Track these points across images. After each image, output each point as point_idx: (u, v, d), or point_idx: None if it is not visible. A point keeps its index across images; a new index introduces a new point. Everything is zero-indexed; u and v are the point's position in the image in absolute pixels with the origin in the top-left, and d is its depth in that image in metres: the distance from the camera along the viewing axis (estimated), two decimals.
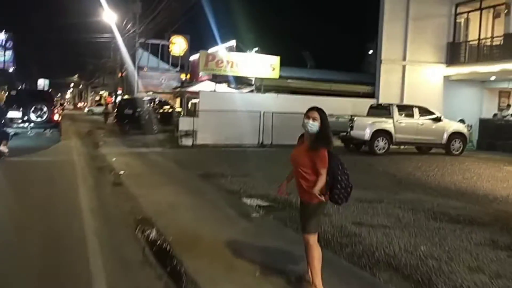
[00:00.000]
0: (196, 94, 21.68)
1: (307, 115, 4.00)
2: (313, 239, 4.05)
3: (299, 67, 24.80)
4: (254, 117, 18.30)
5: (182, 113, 21.42)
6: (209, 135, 17.66)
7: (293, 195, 7.98)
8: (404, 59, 20.80)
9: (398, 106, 17.01)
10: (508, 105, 22.31)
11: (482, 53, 20.33)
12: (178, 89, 33.85)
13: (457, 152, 16.91)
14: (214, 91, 20.45)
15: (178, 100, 33.90)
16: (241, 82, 21.13)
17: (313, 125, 3.95)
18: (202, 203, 7.97)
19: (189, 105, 23.31)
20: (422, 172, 12.14)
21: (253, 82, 19.75)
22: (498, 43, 19.79)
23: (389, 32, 20.48)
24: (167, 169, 12.22)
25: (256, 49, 19.85)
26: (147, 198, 8.02)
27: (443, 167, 13.17)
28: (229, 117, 17.71)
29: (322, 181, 3.95)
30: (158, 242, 5.57)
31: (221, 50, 21.67)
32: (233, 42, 23.73)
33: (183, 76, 37.15)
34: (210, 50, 22.48)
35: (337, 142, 17.66)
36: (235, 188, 9.17)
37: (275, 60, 19.17)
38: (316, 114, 3.98)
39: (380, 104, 17.87)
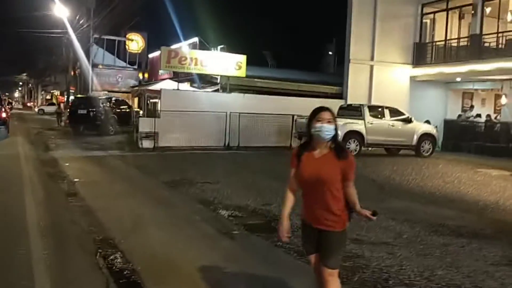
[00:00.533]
0: (156, 93, 20.45)
1: (319, 118, 3.11)
2: (336, 274, 3.18)
3: (261, 67, 24.01)
4: (220, 118, 17.32)
5: (142, 114, 20.13)
6: (172, 137, 16.51)
7: (275, 205, 7.39)
8: (372, 59, 20.41)
9: (369, 106, 16.49)
10: (472, 106, 22.43)
11: (448, 54, 20.23)
12: (136, 88, 32.26)
13: (427, 154, 16.59)
14: (177, 89, 19.28)
15: (136, 99, 32.32)
16: (205, 81, 20.08)
17: (330, 130, 3.09)
18: (172, 217, 6.93)
19: (149, 105, 22.02)
20: (401, 176, 11.58)
21: (218, 81, 18.73)
22: (464, 44, 19.74)
23: (357, 32, 20.02)
24: (128, 176, 11.04)
25: (222, 46, 18.85)
26: (107, 213, 6.91)
27: (420, 171, 12.69)
28: (193, 118, 16.63)
29: (355, 194, 3.13)
30: (125, 272, 4.53)
31: (184, 47, 20.50)
32: (196, 39, 22.61)
33: (141, 75, 35.55)
34: (172, 47, 21.26)
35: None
36: (208, 197, 8.21)
37: (242, 58, 18.24)
38: (330, 116, 3.12)
39: (350, 105, 17.32)
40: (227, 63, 18.14)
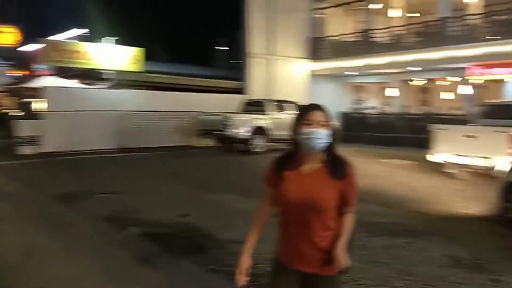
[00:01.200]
0: (35, 92, 17.99)
1: (308, 119, 2.31)
2: None
3: (154, 61, 22.58)
4: (115, 117, 15.73)
5: (20, 115, 17.57)
6: (58, 140, 14.50)
7: (194, 216, 6.55)
8: (271, 53, 20.21)
9: (272, 101, 16.18)
10: (361, 100, 23.50)
11: (343, 49, 20.78)
12: (12, 86, 28.50)
13: None
14: (65, 87, 17.06)
15: (11, 99, 28.55)
16: (96, 77, 18.11)
17: (323, 136, 2.30)
18: (73, 243, 5.65)
19: (30, 105, 19.37)
20: None
21: (112, 77, 17.03)
22: (358, 39, 20.40)
23: (254, 25, 19.65)
24: (8, 191, 9.21)
25: (116, 38, 17.16)
26: None
27: None
28: (84, 118, 14.87)
29: (350, 226, 2.38)
30: None
31: (69, 38, 18.23)
32: (84, 30, 20.29)
33: (16, 71, 31.56)
34: (54, 38, 18.82)
35: (210, 142, 16.26)
36: (113, 212, 7.00)
37: (138, 52, 16.74)
38: (323, 117, 2.33)
39: (253, 100, 16.87)
40: (122, 57, 16.53)
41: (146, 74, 18.21)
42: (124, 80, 16.87)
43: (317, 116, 2.31)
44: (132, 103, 16.25)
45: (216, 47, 45.59)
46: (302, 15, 21.29)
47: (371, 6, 19.19)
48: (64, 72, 18.22)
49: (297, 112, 2.45)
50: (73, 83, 18.63)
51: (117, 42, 17.03)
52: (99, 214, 6.95)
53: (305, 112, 2.36)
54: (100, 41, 16.87)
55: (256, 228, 2.49)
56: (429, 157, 9.86)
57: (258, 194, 7.65)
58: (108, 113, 15.46)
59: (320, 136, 2.27)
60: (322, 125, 2.29)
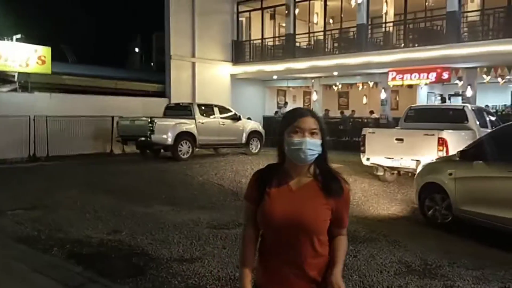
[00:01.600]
0: None
1: (297, 126, 1.96)
2: None
3: (61, 62, 20.97)
4: (22, 123, 14.26)
5: None
6: None
7: (125, 232, 5.88)
8: (194, 55, 19.68)
9: (198, 105, 15.64)
10: (285, 103, 23.74)
11: (265, 53, 20.83)
12: None
13: (256, 151, 16.65)
14: None
15: None
16: None
17: (315, 146, 1.96)
18: None
19: None
20: (246, 178, 11.00)
21: (15, 79, 15.40)
22: (279, 43, 20.56)
23: (177, 26, 18.97)
24: None
25: (18, 36, 15.47)
26: None
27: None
28: None
29: (344, 250, 2.05)
30: None
31: None
32: None
33: None
34: None
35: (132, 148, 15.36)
36: (29, 231, 6.15)
37: (45, 51, 15.27)
38: (314, 123, 1.99)
39: (179, 104, 16.21)
40: (26, 56, 14.98)
41: (58, 76, 16.74)
42: (31, 82, 15.31)
43: (307, 122, 1.96)
44: (44, 107, 14.86)
45: (136, 49, 43.99)
46: (225, 17, 21.02)
47: (292, 11, 19.39)
48: None
49: (285, 119, 2.10)
50: None
51: (21, 40, 15.38)
52: (13, 234, 6.08)
53: (293, 118, 1.99)
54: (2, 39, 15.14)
55: (249, 258, 2.06)
56: (363, 160, 10.01)
57: (191, 205, 7.26)
58: (14, 119, 13.96)
59: (311, 146, 1.93)
60: (313, 134, 1.95)
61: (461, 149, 6.49)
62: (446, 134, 8.62)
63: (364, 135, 9.88)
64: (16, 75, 15.70)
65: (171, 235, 6.02)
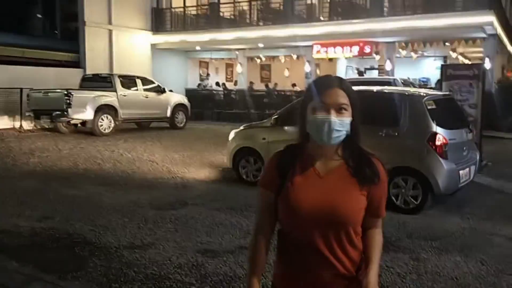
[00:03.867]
0: None
1: (322, 102, 1.61)
2: None
3: None
4: None
5: None
6: None
7: (59, 218, 4.90)
8: (110, 23, 18.30)
9: (119, 76, 14.60)
10: (208, 75, 23.18)
11: (188, 22, 19.98)
12: None
13: (181, 125, 16.09)
14: None
15: None
16: None
17: (342, 126, 1.62)
18: None
19: None
20: (179, 153, 10.50)
21: None
22: (204, 12, 19.80)
23: None
24: None
25: None
26: None
27: (188, 144, 11.94)
28: None
29: (380, 245, 1.76)
30: None
31: None
32: None
33: None
34: None
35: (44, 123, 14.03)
36: None
37: None
38: (344, 97, 1.63)
39: (97, 75, 15.00)
40: None
41: None
42: None
43: (334, 96, 1.62)
44: None
45: (45, 14, 40.00)
46: None
47: None
48: None
49: (305, 89, 1.75)
50: None
51: None
52: None
53: (318, 89, 1.65)
54: None
55: (260, 255, 1.71)
56: None
57: (126, 184, 6.70)
58: None
59: (337, 126, 1.61)
60: (341, 110, 1.62)
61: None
62: None
63: None
64: None
65: (114, 220, 5.48)
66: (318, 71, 21.29)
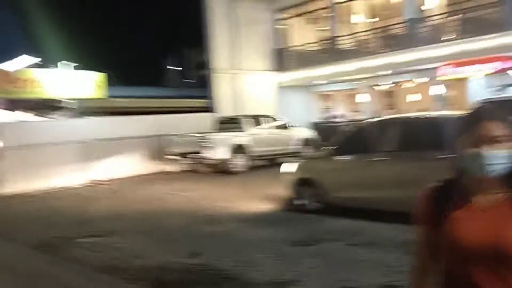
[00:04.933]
0: None
1: (480, 136, 1.54)
2: None
3: (114, 85, 21.36)
4: (77, 148, 14.42)
5: None
6: (20, 180, 12.96)
7: (207, 254, 4.72)
8: (236, 67, 19.52)
9: (248, 117, 15.43)
10: (331, 107, 23.26)
11: (308, 58, 20.42)
12: None
13: None
14: (21, 121, 15.39)
15: None
16: (55, 106, 16.52)
17: (501, 159, 1.52)
18: None
19: None
20: None
21: (72, 106, 15.69)
22: (322, 47, 20.12)
23: (216, 40, 18.91)
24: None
25: (76, 64, 15.86)
26: None
27: None
28: (48, 152, 13.48)
29: None
30: None
31: (18, 65, 16.51)
32: (35, 58, 18.55)
33: None
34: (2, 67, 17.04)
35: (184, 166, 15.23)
36: (106, 259, 5.97)
37: (101, 77, 15.50)
38: (501, 129, 1.54)
39: (229, 117, 16.05)
40: (83, 83, 15.22)
41: (111, 99, 16.96)
42: (86, 108, 15.57)
43: (491, 129, 1.53)
44: (99, 131, 15.00)
45: (178, 66, 44.40)
46: (265, 26, 20.78)
47: (333, 13, 18.95)
48: (17, 105, 16.43)
49: (461, 124, 1.69)
50: (27, 116, 16.95)
51: (76, 68, 15.74)
52: (90, 262, 5.92)
53: (473, 123, 1.57)
54: (56, 67, 15.51)
55: None
56: None
57: (261, 220, 6.79)
58: (75, 144, 14.13)
59: (494, 160, 1.51)
60: (499, 142, 1.53)
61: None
62: None
63: None
64: (72, 102, 16.01)
65: (254, 255, 5.70)
66: (448, 93, 20.03)
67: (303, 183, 7.98)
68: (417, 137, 6.83)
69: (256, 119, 15.56)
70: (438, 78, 16.81)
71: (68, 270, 5.76)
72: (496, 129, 1.54)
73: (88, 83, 15.29)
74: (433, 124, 6.87)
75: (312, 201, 7.87)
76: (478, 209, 1.57)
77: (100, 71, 15.67)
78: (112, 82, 25.58)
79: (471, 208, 1.58)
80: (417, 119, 7.84)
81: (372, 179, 6.97)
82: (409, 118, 8.22)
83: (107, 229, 7.81)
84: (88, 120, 15.51)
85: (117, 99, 17.83)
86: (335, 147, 7.71)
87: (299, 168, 8.32)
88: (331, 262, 5.25)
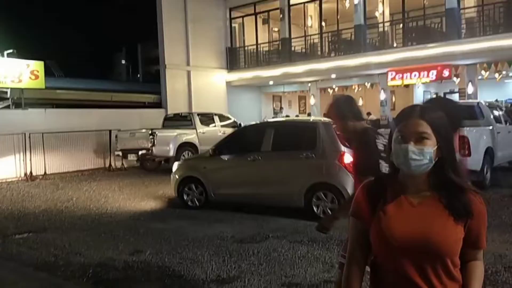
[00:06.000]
0: None
1: (401, 131, 1.62)
2: None
3: (49, 77, 20.42)
4: (15, 141, 13.75)
5: None
6: None
7: (149, 252, 4.66)
8: (188, 64, 19.31)
9: (198, 114, 15.31)
10: (281, 108, 23.54)
11: (260, 58, 20.56)
12: None
13: None
14: None
15: None
16: None
17: (421, 155, 1.59)
18: None
19: None
20: None
21: (8, 95, 14.87)
22: (275, 48, 20.31)
23: (170, 35, 18.60)
24: None
25: (10, 51, 14.96)
26: None
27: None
28: None
29: (481, 278, 1.69)
30: None
31: None
32: None
33: None
34: None
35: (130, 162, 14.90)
36: (44, 256, 5.72)
37: (38, 66, 14.74)
38: (424, 127, 1.61)
39: (178, 114, 15.84)
40: (19, 72, 14.41)
41: (56, 91, 16.23)
42: (24, 99, 14.76)
43: (412, 126, 1.60)
44: (39, 123, 14.34)
45: (129, 60, 43.28)
46: (218, 24, 20.73)
47: (286, 15, 19.17)
48: None
49: (393, 119, 1.75)
50: None
51: (10, 55, 14.86)
52: (27, 259, 5.65)
53: (402, 120, 1.64)
54: None
55: (354, 285, 1.73)
56: None
57: (210, 218, 6.80)
58: (8, 136, 13.46)
59: (415, 155, 1.57)
60: (421, 139, 1.59)
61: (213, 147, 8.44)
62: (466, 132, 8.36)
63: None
64: (8, 91, 15.18)
65: (199, 253, 5.65)
66: (393, 99, 20.82)
67: (187, 181, 8.47)
68: (285, 139, 7.71)
69: (209, 117, 15.46)
70: (386, 84, 17.42)
71: (3, 268, 5.46)
72: (417, 126, 1.60)
73: (26, 72, 14.49)
74: (298, 128, 8.10)
75: (195, 198, 8.41)
76: (408, 204, 1.64)
77: (37, 60, 14.85)
78: (55, 72, 24.61)
79: (403, 204, 1.65)
80: (286, 123, 9.22)
81: (247, 177, 7.73)
82: (279, 122, 9.76)
83: (44, 225, 7.53)
84: (28, 111, 14.77)
85: (62, 91, 17.09)
86: (216, 147, 8.31)
87: (180, 167, 8.79)
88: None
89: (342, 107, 3.11)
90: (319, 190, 7.02)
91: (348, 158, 6.57)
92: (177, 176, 8.62)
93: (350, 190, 6.42)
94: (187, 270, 5.00)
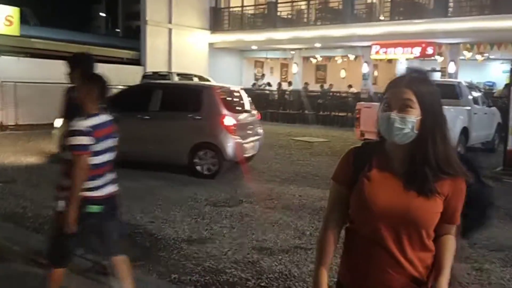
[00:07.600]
0: None
1: (387, 100, 1.59)
2: None
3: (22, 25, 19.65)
4: None
5: None
6: None
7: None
8: (170, 21, 18.80)
9: (178, 74, 15.01)
10: (263, 75, 23.27)
11: (245, 22, 20.16)
12: None
13: None
14: None
15: None
16: None
17: (404, 124, 1.55)
18: None
19: None
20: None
21: None
22: (260, 12, 19.92)
23: None
24: None
25: None
26: None
27: None
28: None
29: (453, 252, 1.69)
30: None
31: None
32: None
33: None
34: None
35: None
36: (12, 207, 5.60)
37: (14, 11, 14.07)
38: (410, 95, 1.57)
39: (157, 72, 15.48)
40: None
41: (31, 40, 15.59)
42: None
43: (398, 94, 1.57)
44: (12, 72, 13.83)
45: (108, 14, 41.83)
46: None
47: None
48: None
49: (384, 89, 1.71)
50: None
51: None
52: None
53: (386, 88, 1.62)
54: None
55: (329, 253, 1.71)
56: (357, 134, 9.78)
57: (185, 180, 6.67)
58: None
59: (398, 123, 1.55)
60: (405, 107, 1.55)
61: None
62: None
63: (359, 110, 9.64)
64: None
65: (172, 213, 5.62)
66: (376, 73, 20.85)
67: None
68: (172, 100, 8.02)
69: (188, 78, 15.15)
70: (369, 57, 17.39)
71: None
72: (403, 94, 1.56)
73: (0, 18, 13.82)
74: (184, 90, 8.57)
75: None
76: (393, 173, 1.62)
77: (12, 5, 14.17)
78: (30, 20, 23.65)
79: (387, 171, 1.63)
80: (174, 85, 9.70)
81: (137, 135, 7.68)
82: (168, 83, 10.11)
83: (12, 176, 7.34)
84: (1, 58, 14.18)
85: (38, 40, 16.43)
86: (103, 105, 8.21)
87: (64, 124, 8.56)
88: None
89: None
90: (202, 149, 7.58)
91: (228, 120, 7.39)
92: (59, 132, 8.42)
93: (229, 150, 7.37)
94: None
